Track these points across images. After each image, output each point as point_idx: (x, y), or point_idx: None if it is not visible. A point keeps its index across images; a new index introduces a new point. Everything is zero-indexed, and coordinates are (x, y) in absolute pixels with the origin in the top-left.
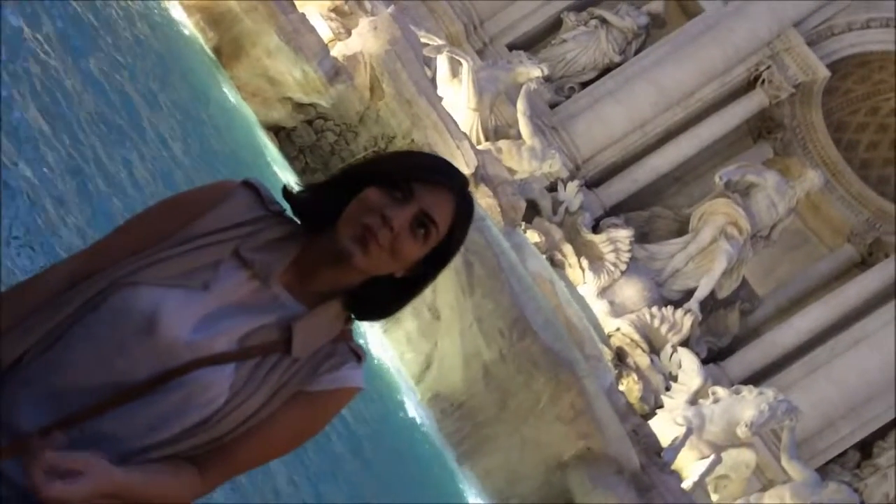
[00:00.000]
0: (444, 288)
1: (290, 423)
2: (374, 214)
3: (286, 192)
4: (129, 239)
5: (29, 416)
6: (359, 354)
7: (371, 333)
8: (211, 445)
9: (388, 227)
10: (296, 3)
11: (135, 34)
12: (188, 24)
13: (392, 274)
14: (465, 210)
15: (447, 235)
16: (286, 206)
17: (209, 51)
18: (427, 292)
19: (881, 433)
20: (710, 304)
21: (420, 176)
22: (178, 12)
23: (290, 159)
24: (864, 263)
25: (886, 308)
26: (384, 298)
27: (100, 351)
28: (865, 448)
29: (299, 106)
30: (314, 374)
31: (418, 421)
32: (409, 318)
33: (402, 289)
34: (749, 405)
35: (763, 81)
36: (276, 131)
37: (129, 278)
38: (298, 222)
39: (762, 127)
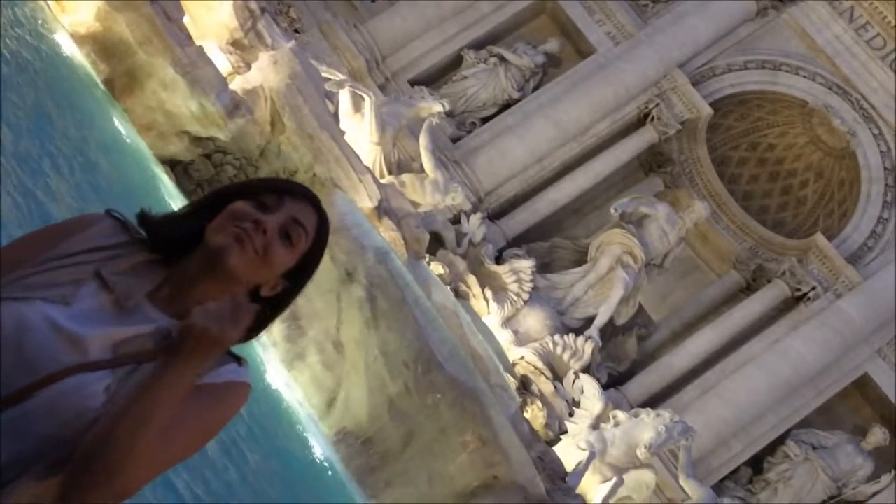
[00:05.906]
0: (348, 322)
1: (185, 416)
2: (247, 220)
3: (143, 217)
4: None
5: None
6: (239, 358)
7: (274, 370)
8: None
9: (262, 231)
10: (193, 36)
11: (18, 62)
12: (77, 55)
13: (258, 291)
14: (325, 227)
15: (310, 248)
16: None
17: (100, 83)
18: (331, 326)
19: (770, 449)
20: (610, 331)
21: (287, 189)
22: (66, 43)
23: (188, 194)
24: (748, 289)
25: (770, 330)
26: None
27: None
28: (756, 464)
29: (197, 140)
30: (195, 376)
31: (324, 457)
32: (312, 353)
33: (268, 308)
34: (647, 427)
35: (652, 118)
36: (173, 165)
37: None
38: (158, 250)
39: (653, 161)
